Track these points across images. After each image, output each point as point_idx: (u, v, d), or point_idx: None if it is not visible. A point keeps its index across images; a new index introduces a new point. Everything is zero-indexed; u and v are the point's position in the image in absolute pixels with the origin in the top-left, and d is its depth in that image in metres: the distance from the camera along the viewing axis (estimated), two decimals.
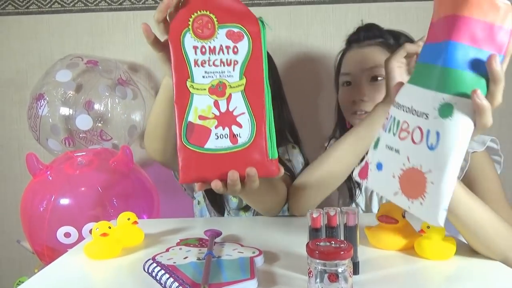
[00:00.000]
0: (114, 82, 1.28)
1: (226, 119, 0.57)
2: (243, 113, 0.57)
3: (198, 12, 0.56)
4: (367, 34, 0.98)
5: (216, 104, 0.57)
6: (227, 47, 0.57)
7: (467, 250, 0.65)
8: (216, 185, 0.57)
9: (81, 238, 1.02)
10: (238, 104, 0.57)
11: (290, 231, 0.80)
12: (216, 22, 0.56)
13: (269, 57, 1.10)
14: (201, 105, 0.56)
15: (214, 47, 0.57)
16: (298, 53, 1.41)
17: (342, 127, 1.06)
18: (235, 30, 0.57)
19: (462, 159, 0.50)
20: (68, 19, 1.44)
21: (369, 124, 0.81)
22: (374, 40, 0.97)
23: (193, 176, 0.57)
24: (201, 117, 0.56)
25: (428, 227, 0.63)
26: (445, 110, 0.50)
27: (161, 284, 0.54)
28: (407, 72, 0.77)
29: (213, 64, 0.57)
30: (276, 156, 0.58)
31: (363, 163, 0.63)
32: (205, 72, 0.57)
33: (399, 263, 0.62)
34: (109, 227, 0.67)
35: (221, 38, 0.57)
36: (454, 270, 0.60)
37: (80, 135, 1.26)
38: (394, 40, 0.97)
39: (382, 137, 0.60)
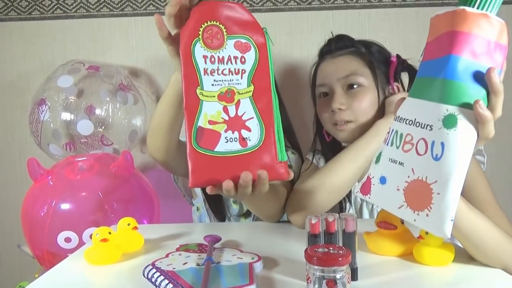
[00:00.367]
0: (115, 87, 1.28)
1: (235, 123, 0.57)
2: (252, 118, 0.58)
3: (208, 22, 0.58)
4: (338, 44, 0.99)
5: (225, 109, 0.58)
6: (235, 57, 0.58)
7: (465, 256, 0.65)
8: (228, 185, 0.56)
9: (81, 243, 1.03)
10: (246, 109, 0.58)
11: (289, 236, 0.80)
12: (225, 33, 0.58)
13: None
14: (211, 111, 0.57)
15: (223, 57, 0.58)
16: (298, 58, 1.42)
17: (321, 139, 1.05)
18: (243, 41, 0.58)
19: (467, 169, 0.51)
20: (70, 24, 1.45)
21: (368, 139, 0.83)
22: (345, 50, 0.97)
23: (204, 179, 0.57)
24: (210, 122, 0.57)
25: (427, 233, 0.63)
26: (450, 121, 0.51)
27: None
28: None
29: (222, 73, 0.58)
30: (286, 159, 0.59)
31: (364, 178, 0.64)
32: (214, 80, 0.58)
33: (397, 269, 0.63)
34: (109, 233, 0.67)
35: (229, 48, 0.58)
36: (452, 276, 0.60)
37: (81, 140, 1.26)
38: (365, 49, 0.97)
39: (385, 151, 0.60)
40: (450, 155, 0.51)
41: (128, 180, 1.14)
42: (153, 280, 0.57)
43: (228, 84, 0.58)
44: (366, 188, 0.63)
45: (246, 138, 0.57)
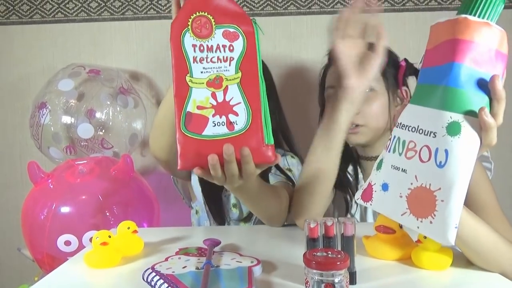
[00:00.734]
0: (115, 91, 1.29)
1: (223, 108, 0.59)
2: (239, 103, 0.59)
3: (197, 13, 0.60)
4: None
5: (213, 95, 0.60)
6: (224, 46, 0.60)
7: (463, 260, 0.65)
8: (213, 158, 0.57)
9: (81, 247, 1.03)
10: (234, 95, 0.60)
11: (288, 240, 0.80)
12: (213, 23, 0.60)
13: (265, 67, 1.11)
14: (199, 97, 0.59)
15: (212, 46, 0.60)
16: (298, 62, 1.43)
17: None
18: (231, 30, 0.60)
19: (471, 176, 0.52)
20: (71, 28, 1.46)
21: (334, 119, 0.80)
22: None
23: (192, 162, 0.59)
24: (199, 107, 0.59)
25: (425, 237, 0.63)
26: (453, 129, 0.52)
27: None
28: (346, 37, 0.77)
29: (211, 60, 0.60)
30: (272, 142, 0.60)
31: (365, 185, 0.64)
32: (203, 68, 0.60)
33: (396, 273, 0.63)
34: (109, 236, 0.68)
35: (218, 37, 0.60)
36: (450, 280, 0.60)
37: (82, 144, 1.27)
38: None
39: (386, 158, 0.61)
40: (454, 162, 0.51)
41: (128, 183, 1.14)
42: (152, 283, 0.57)
43: (217, 71, 0.60)
44: (367, 195, 0.63)
45: (233, 122, 0.59)
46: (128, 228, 0.74)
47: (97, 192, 1.08)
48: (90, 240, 0.70)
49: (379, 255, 0.68)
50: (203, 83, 0.59)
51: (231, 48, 0.60)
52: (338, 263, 0.48)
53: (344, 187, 0.98)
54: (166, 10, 1.44)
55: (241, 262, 0.64)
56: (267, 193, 0.81)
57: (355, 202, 0.98)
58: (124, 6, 1.45)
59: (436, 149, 0.53)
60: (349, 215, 1.01)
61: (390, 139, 0.61)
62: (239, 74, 0.60)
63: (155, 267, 0.62)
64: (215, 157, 0.58)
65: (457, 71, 0.52)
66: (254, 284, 0.55)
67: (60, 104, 1.24)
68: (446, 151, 0.52)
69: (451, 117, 0.52)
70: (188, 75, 0.60)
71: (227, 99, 0.59)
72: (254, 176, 0.62)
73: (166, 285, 0.55)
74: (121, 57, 1.46)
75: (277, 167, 1.03)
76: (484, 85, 0.52)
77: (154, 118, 0.91)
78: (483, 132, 0.51)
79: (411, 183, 0.55)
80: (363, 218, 1.00)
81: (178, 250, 0.71)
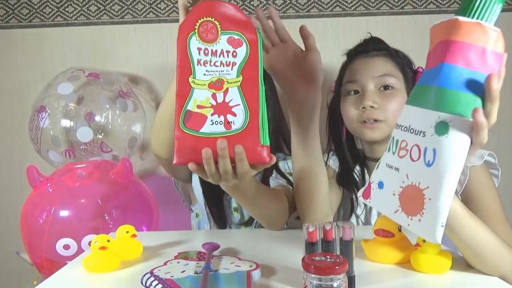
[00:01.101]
0: (115, 94, 1.29)
1: (222, 108, 0.60)
2: (238, 105, 0.61)
3: (204, 18, 0.62)
4: (375, 45, 1.00)
5: (213, 96, 0.61)
6: (227, 51, 0.62)
7: (462, 264, 0.65)
8: (207, 152, 0.58)
9: (80, 250, 1.03)
10: (234, 96, 0.61)
11: (287, 244, 0.80)
12: (219, 29, 0.62)
13: (266, 72, 1.11)
14: (200, 97, 0.61)
15: (216, 50, 0.62)
16: None
17: (336, 139, 1.06)
18: (236, 37, 0.62)
19: (459, 175, 0.52)
20: (70, 32, 1.47)
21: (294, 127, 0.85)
22: (382, 51, 0.98)
23: (187, 157, 0.60)
24: (199, 106, 0.61)
25: (424, 241, 0.63)
26: (441, 128, 0.52)
27: None
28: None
29: (214, 64, 0.62)
30: (268, 143, 0.61)
31: (367, 183, 0.65)
32: (206, 70, 0.62)
33: (395, 276, 0.63)
34: (108, 241, 0.68)
35: (222, 43, 0.62)
36: (449, 283, 0.60)
37: (81, 147, 1.27)
38: (396, 54, 0.99)
39: (383, 157, 0.62)
40: (442, 162, 0.52)
41: (127, 187, 1.15)
42: None
43: (219, 74, 0.61)
44: (367, 193, 0.64)
45: (231, 122, 0.60)
46: (127, 232, 0.74)
47: (96, 195, 1.08)
48: (89, 244, 0.70)
49: (378, 258, 0.68)
50: (205, 84, 0.61)
51: (235, 54, 0.62)
52: (337, 267, 0.48)
53: (351, 186, 0.98)
54: (165, 14, 1.45)
55: (240, 266, 0.64)
56: (265, 195, 0.81)
57: (362, 202, 0.99)
58: (123, 10, 1.45)
59: (425, 148, 0.54)
60: (354, 215, 1.01)
61: (388, 139, 0.62)
62: (240, 78, 0.61)
63: (153, 271, 0.62)
64: (209, 150, 0.58)
65: (446, 72, 0.52)
66: None
67: (59, 107, 1.24)
68: (434, 150, 0.53)
69: (439, 117, 0.53)
70: (191, 76, 0.61)
71: (226, 100, 0.61)
72: (249, 176, 0.62)
73: None
74: (121, 61, 1.47)
75: (278, 171, 1.03)
76: (476, 85, 0.52)
77: (155, 116, 0.91)
78: (474, 132, 0.51)
79: (403, 182, 0.56)
80: (367, 218, 1.01)
81: (177, 254, 0.71)
